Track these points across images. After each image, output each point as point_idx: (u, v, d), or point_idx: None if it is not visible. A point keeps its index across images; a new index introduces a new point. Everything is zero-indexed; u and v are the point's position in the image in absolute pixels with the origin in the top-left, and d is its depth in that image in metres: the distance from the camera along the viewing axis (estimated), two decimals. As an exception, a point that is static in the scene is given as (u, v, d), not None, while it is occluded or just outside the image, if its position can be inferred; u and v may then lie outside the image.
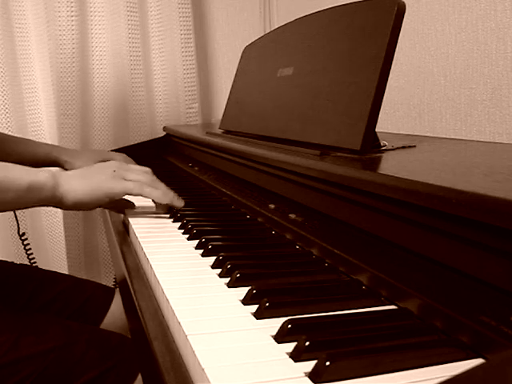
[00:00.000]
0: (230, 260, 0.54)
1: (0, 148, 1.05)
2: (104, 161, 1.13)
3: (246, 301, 0.45)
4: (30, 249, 1.27)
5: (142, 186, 0.74)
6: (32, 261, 1.28)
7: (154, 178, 0.79)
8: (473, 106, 0.98)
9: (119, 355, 0.77)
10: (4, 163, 0.73)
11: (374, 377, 0.33)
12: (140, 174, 0.77)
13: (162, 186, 0.78)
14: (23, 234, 1.24)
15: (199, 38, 1.66)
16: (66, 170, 1.08)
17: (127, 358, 0.78)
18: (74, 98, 1.45)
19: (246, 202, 0.78)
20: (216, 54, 1.72)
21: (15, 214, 1.16)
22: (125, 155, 1.18)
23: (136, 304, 0.49)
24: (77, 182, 0.73)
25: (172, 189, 0.81)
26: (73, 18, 1.42)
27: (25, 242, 1.24)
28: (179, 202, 0.78)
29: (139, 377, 0.77)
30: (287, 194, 0.73)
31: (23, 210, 1.41)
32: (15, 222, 1.18)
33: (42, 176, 0.71)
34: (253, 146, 0.84)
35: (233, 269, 0.51)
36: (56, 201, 0.72)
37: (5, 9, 1.35)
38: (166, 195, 0.76)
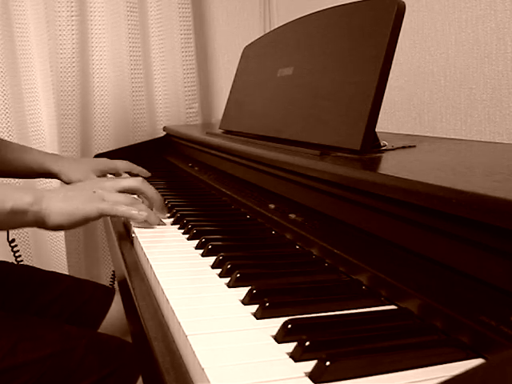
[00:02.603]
0: (230, 260, 0.54)
1: None
2: (105, 170, 1.11)
3: (246, 301, 0.45)
4: (20, 255, 1.26)
5: (114, 206, 0.71)
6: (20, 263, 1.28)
7: (137, 190, 0.75)
8: (473, 106, 0.98)
9: (119, 360, 0.77)
10: None
11: (374, 377, 0.33)
12: (120, 195, 0.73)
13: (141, 207, 0.73)
14: (13, 240, 1.23)
15: (199, 38, 1.66)
16: (63, 180, 1.06)
17: (127, 363, 0.77)
18: (73, 98, 1.45)
19: (246, 202, 0.77)
20: (216, 53, 1.71)
21: None
22: (127, 162, 1.13)
23: (136, 304, 0.49)
24: (57, 206, 0.71)
25: (172, 189, 0.81)
26: (73, 18, 1.42)
27: (15, 249, 1.24)
28: (155, 219, 0.73)
29: (139, 379, 0.77)
30: (287, 194, 0.73)
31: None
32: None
33: (25, 200, 0.69)
34: (253, 146, 0.83)
35: (233, 269, 0.51)
36: (38, 224, 0.71)
37: (5, 9, 1.35)
38: (142, 213, 0.71)
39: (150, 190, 0.77)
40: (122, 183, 0.76)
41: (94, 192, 0.72)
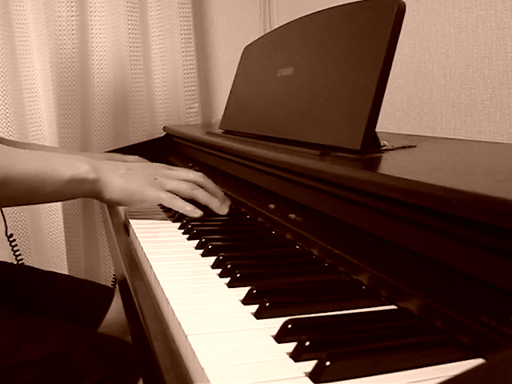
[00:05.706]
0: (230, 260, 0.54)
1: None
2: None
3: (246, 301, 0.45)
4: (17, 250, 1.26)
5: (173, 199, 0.73)
6: (20, 262, 1.27)
7: (196, 184, 0.76)
8: (473, 106, 0.98)
9: (120, 360, 0.77)
10: (43, 153, 0.73)
11: (374, 377, 0.33)
12: (181, 182, 0.75)
13: (202, 193, 0.75)
14: (11, 235, 1.23)
15: (199, 38, 1.66)
16: None
17: (128, 363, 0.77)
18: (73, 98, 1.45)
19: (245, 202, 0.77)
20: (216, 53, 1.72)
21: (3, 214, 1.14)
22: (137, 157, 1.14)
23: (136, 304, 0.49)
24: (117, 181, 0.73)
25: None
26: (73, 18, 1.43)
27: (13, 243, 1.23)
28: (222, 210, 0.75)
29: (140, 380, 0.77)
30: (287, 194, 0.73)
31: (21, 210, 1.41)
32: (11, 222, 1.17)
33: (83, 168, 0.71)
34: (253, 146, 0.83)
35: (233, 269, 0.51)
36: (94, 194, 0.73)
37: (5, 9, 1.35)
38: (197, 211, 0.73)
39: (210, 183, 0.78)
40: (184, 175, 0.77)
41: (156, 179, 0.74)
